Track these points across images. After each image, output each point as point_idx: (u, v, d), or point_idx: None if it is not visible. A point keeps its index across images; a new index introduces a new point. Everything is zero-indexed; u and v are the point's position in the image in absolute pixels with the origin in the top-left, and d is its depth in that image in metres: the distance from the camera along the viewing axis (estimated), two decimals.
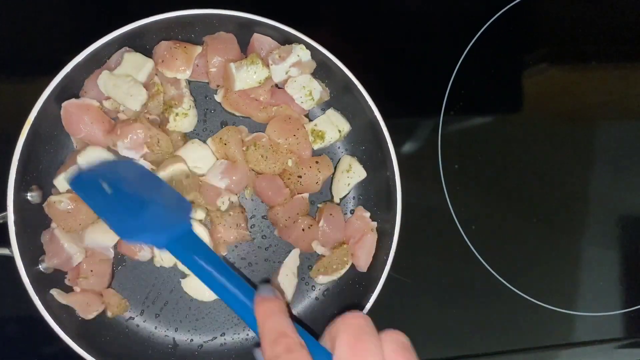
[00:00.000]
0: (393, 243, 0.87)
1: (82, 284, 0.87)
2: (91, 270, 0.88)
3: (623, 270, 1.06)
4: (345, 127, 0.93)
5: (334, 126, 0.93)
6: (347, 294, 0.93)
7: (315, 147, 0.93)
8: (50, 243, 0.86)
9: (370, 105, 0.87)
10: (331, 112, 0.94)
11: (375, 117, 0.87)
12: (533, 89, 1.07)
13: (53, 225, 0.87)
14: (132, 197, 0.77)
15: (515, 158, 1.06)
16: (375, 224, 0.93)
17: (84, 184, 0.78)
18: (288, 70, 0.89)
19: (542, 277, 1.04)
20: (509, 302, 1.02)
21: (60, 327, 0.81)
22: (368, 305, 0.87)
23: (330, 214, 0.92)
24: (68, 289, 0.88)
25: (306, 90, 0.91)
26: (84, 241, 0.88)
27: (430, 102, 1.04)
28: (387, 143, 0.88)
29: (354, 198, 0.97)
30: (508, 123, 1.07)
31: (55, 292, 0.86)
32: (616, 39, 1.10)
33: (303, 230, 0.91)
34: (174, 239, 0.71)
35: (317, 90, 0.91)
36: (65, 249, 0.86)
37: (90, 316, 0.88)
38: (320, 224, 0.91)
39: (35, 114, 0.82)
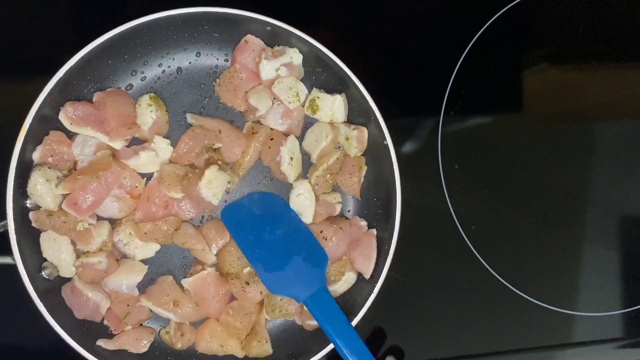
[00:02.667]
0: (392, 243, 0.87)
1: (130, 321, 0.87)
2: (127, 305, 0.88)
3: (623, 270, 1.06)
4: (340, 115, 0.93)
5: (329, 111, 0.92)
6: (347, 294, 0.93)
7: (294, 105, 0.92)
8: (73, 296, 0.85)
9: (371, 105, 0.88)
10: (340, 99, 0.92)
11: (375, 116, 0.88)
12: (533, 89, 1.07)
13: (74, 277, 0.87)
14: (277, 241, 0.89)
15: (515, 158, 1.06)
16: (373, 231, 0.93)
17: (233, 217, 0.90)
18: (278, 69, 0.90)
19: (542, 277, 1.04)
20: (509, 302, 1.02)
21: (67, 333, 0.81)
22: (367, 304, 0.87)
23: (340, 228, 0.92)
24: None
25: (293, 91, 0.91)
26: (106, 286, 0.88)
27: (430, 102, 1.04)
28: (387, 143, 0.88)
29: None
30: (508, 123, 1.07)
31: (102, 342, 0.86)
32: (616, 39, 1.10)
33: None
34: (312, 295, 0.85)
35: (303, 91, 0.92)
36: (91, 299, 0.85)
37: (144, 349, 0.88)
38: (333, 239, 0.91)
39: (31, 120, 0.81)
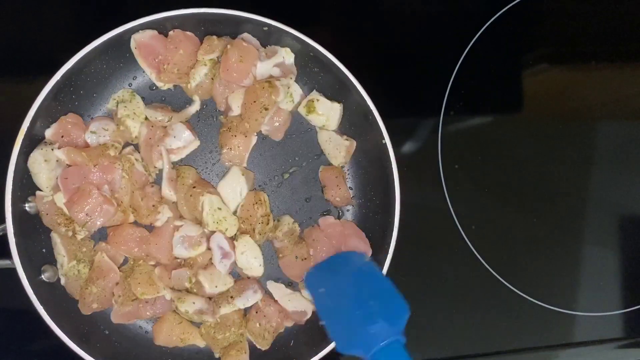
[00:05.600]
0: (392, 243, 0.87)
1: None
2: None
3: (623, 270, 1.06)
4: (334, 122, 0.93)
5: (324, 117, 0.92)
6: None
7: (288, 107, 0.92)
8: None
9: (369, 104, 0.88)
10: (338, 107, 0.92)
11: (374, 115, 0.88)
12: (533, 89, 1.07)
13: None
14: (353, 301, 0.78)
15: (515, 158, 1.06)
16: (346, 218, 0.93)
17: (316, 281, 0.85)
18: (271, 70, 0.90)
19: (542, 277, 1.04)
20: (509, 302, 1.02)
21: (67, 335, 0.81)
22: None
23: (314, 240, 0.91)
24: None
25: (287, 92, 0.91)
26: None
27: (430, 102, 1.04)
28: (386, 142, 0.88)
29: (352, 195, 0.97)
30: (508, 123, 1.07)
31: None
32: (616, 39, 1.10)
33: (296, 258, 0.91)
34: (381, 349, 0.71)
35: (297, 92, 0.92)
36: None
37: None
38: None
39: (28, 123, 0.81)
